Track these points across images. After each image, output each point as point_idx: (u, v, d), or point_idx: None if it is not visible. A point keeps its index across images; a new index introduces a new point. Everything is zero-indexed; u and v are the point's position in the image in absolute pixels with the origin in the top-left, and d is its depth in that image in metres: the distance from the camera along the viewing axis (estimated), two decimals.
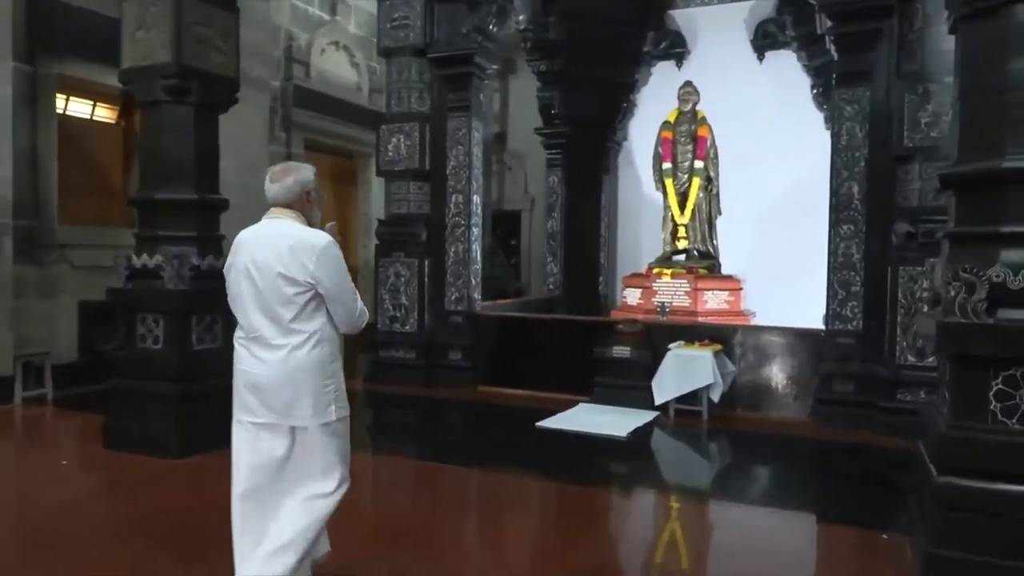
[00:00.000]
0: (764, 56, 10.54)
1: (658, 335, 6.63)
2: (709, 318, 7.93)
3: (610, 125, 11.01)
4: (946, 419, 2.88)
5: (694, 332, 6.57)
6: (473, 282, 7.34)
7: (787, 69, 10.05)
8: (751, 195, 9.81)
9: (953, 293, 2.80)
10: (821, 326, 6.27)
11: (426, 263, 7.32)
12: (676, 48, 10.96)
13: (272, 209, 2.49)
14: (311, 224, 2.52)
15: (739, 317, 8.14)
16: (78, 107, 7.33)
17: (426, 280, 7.32)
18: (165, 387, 4.58)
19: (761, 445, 5.54)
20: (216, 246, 4.97)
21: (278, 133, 9.89)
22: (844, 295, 5.86)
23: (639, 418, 5.98)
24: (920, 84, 5.46)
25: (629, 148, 11.30)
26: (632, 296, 8.63)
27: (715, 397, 6.03)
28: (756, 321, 8.57)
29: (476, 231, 7.36)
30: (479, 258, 7.43)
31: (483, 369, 7.30)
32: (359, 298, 2.53)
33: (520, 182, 12.68)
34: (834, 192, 5.92)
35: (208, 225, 4.92)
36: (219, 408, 4.52)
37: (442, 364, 7.31)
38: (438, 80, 7.36)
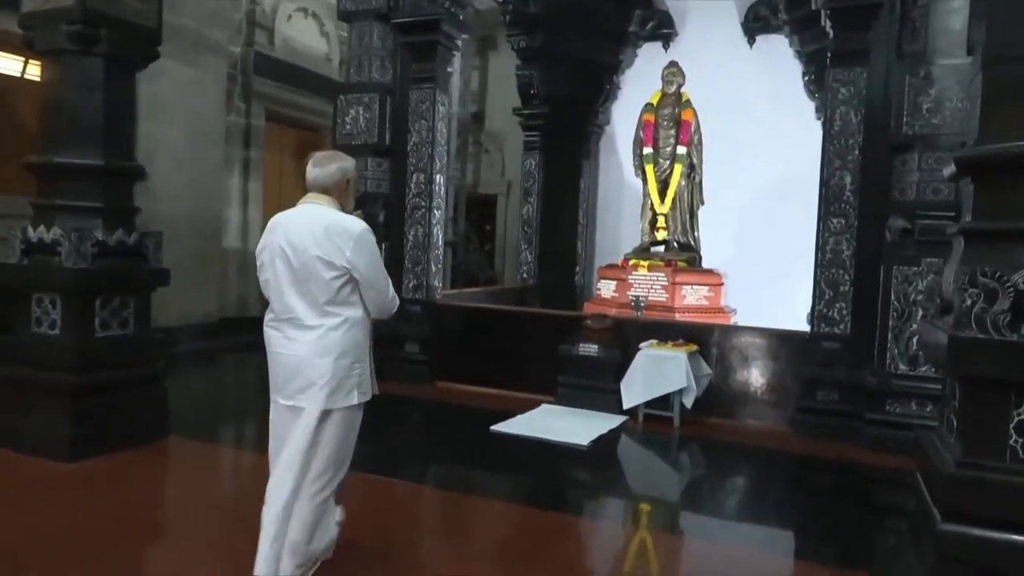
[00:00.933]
0: (755, 40, 10.04)
1: (630, 332, 6.12)
2: (687, 314, 7.44)
3: (592, 108, 10.48)
4: (954, 454, 2.37)
5: (669, 330, 6.06)
6: (433, 268, 6.78)
7: (778, 55, 9.54)
8: (737, 186, 9.38)
9: (969, 302, 2.29)
10: (806, 327, 5.79)
11: (382, 247, 6.71)
12: (663, 29, 10.43)
13: (309, 194, 2.54)
14: (344, 209, 2.57)
15: (719, 314, 7.65)
16: None
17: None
18: (60, 378, 4.00)
19: (735, 459, 5.05)
20: (128, 219, 4.37)
21: (238, 103, 9.25)
22: (831, 295, 5.36)
23: (605, 423, 5.48)
24: (922, 66, 4.94)
25: (611, 133, 10.76)
26: (607, 289, 8.12)
27: (688, 402, 5.53)
28: (737, 319, 8.10)
29: (438, 214, 6.80)
30: (440, 243, 6.88)
31: (442, 363, 6.77)
32: (391, 284, 2.59)
33: (497, 165, 12.10)
34: (824, 182, 5.41)
35: (118, 195, 4.31)
36: (123, 404, 4.06)
37: (398, 357, 6.77)
38: (402, 48, 6.76)
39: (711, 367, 5.80)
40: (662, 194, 8.03)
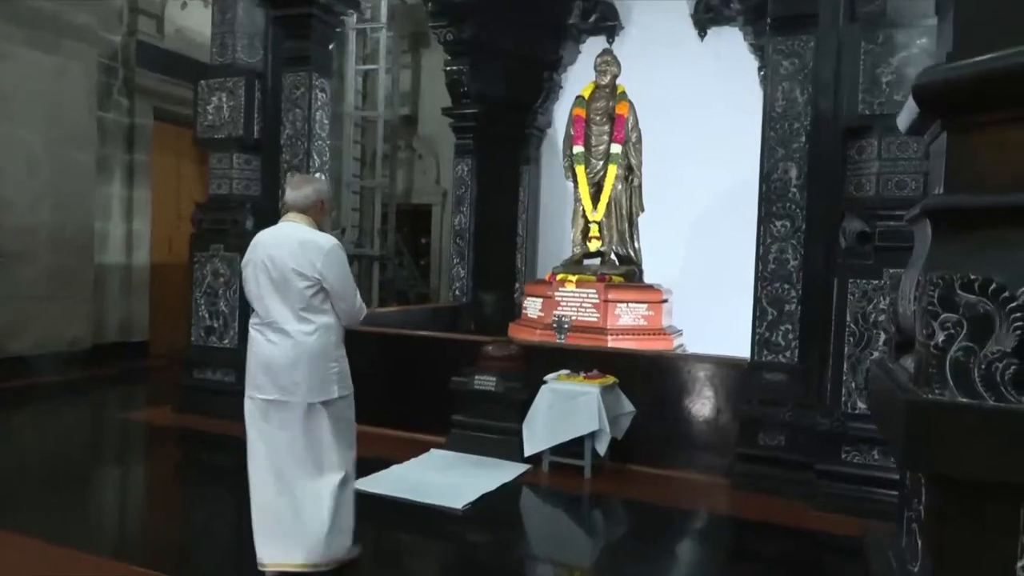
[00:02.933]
0: (706, 32, 9.09)
1: (544, 360, 5.05)
2: (620, 337, 6.40)
3: (530, 108, 9.48)
4: None
5: (590, 357, 5.00)
6: None
7: (731, 48, 8.62)
8: (687, 191, 8.41)
9: (942, 337, 1.25)
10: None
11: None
12: (607, 21, 9.46)
13: (288, 213, 2.87)
14: (320, 228, 2.88)
15: (659, 337, 6.62)
16: None
17: None
18: None
19: (655, 522, 3.97)
20: None
21: (118, 98, 8.12)
22: (775, 315, 4.33)
23: (500, 475, 4.40)
24: (881, 30, 3.97)
25: (553, 136, 9.74)
26: (532, 308, 7.06)
27: (601, 449, 4.46)
28: (683, 342, 7.09)
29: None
30: None
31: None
32: (359, 295, 2.90)
33: (431, 172, 11.05)
34: (765, 176, 4.41)
35: None
36: None
37: None
38: (274, 24, 5.70)
39: (634, 403, 4.73)
40: (595, 199, 7.02)
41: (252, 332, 2.83)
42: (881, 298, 3.93)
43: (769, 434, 4.30)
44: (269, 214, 5.63)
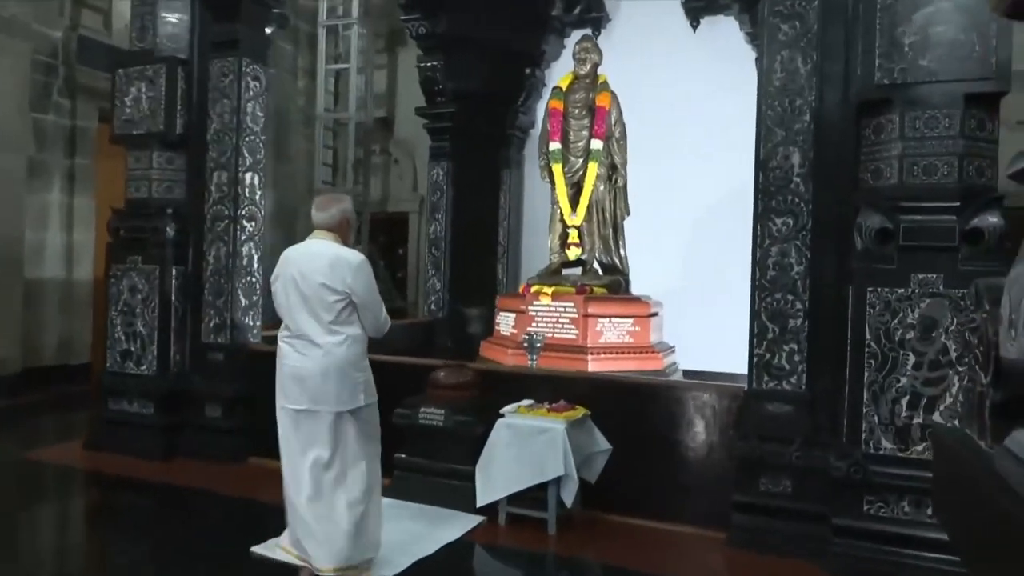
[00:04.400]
0: (699, 23, 8.36)
1: (508, 388, 4.29)
2: (602, 357, 5.63)
3: (510, 107, 8.75)
4: None
5: (561, 385, 4.24)
6: (243, 301, 4.93)
7: (726, 39, 7.92)
8: (681, 193, 7.67)
9: None
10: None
11: (172, 272, 4.89)
12: (593, 12, 8.73)
13: (316, 231, 2.99)
14: (346, 243, 3.02)
15: (646, 355, 5.83)
16: None
17: (172, 297, 4.89)
18: None
19: None
20: None
21: (58, 99, 7.43)
22: (776, 332, 3.55)
23: (445, 532, 3.62)
24: None
25: (536, 137, 9.00)
26: (505, 324, 6.29)
27: (567, 499, 3.67)
28: (674, 360, 6.32)
29: (250, 226, 4.97)
30: (256, 264, 5.03)
31: (258, 432, 4.88)
32: (384, 308, 3.03)
33: (408, 178, 10.32)
34: (761, 164, 3.64)
35: None
36: None
37: (194, 424, 4.89)
38: (201, 5, 4.98)
39: (611, 438, 3.95)
40: (575, 201, 6.25)
41: (282, 345, 2.97)
42: (909, 309, 3.16)
43: (772, 478, 3.51)
44: (195, 220, 4.92)
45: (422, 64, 8.51)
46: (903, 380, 3.17)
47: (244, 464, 4.83)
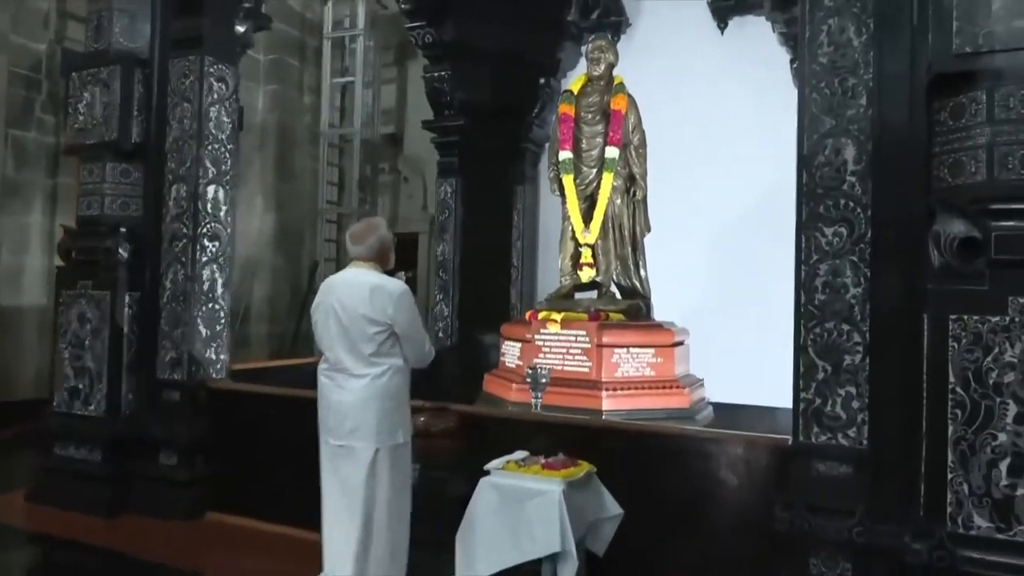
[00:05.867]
0: (727, 24, 7.67)
1: (502, 435, 3.60)
2: (619, 393, 4.90)
3: (523, 119, 8.11)
4: None
5: (564, 434, 3.53)
6: (203, 332, 4.31)
7: (757, 40, 7.22)
8: (707, 208, 6.98)
9: None
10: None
11: (126, 299, 4.31)
12: (611, 16, 8.08)
13: (354, 260, 2.90)
14: (386, 268, 2.94)
15: (670, 391, 5.07)
16: None
17: (124, 328, 4.31)
18: None
19: None
20: None
21: (40, 115, 7.02)
22: (829, 371, 2.80)
23: None
24: None
25: None
26: (510, 354, 5.59)
27: None
28: (703, 395, 5.55)
29: (212, 246, 4.36)
30: (220, 289, 4.41)
31: (220, 484, 4.27)
32: (428, 337, 2.99)
33: (418, 197, 9.74)
34: (805, 162, 2.91)
35: None
36: None
37: (146, 474, 4.26)
38: (161, 3, 4.45)
39: (624, 499, 3.20)
40: (588, 216, 5.56)
41: (321, 378, 2.87)
42: (1006, 344, 2.40)
43: (827, 559, 2.75)
44: (153, 240, 4.35)
45: (428, 74, 7.97)
46: (1002, 437, 2.40)
47: (200, 520, 4.19)
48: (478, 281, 7.95)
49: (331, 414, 2.82)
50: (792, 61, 6.92)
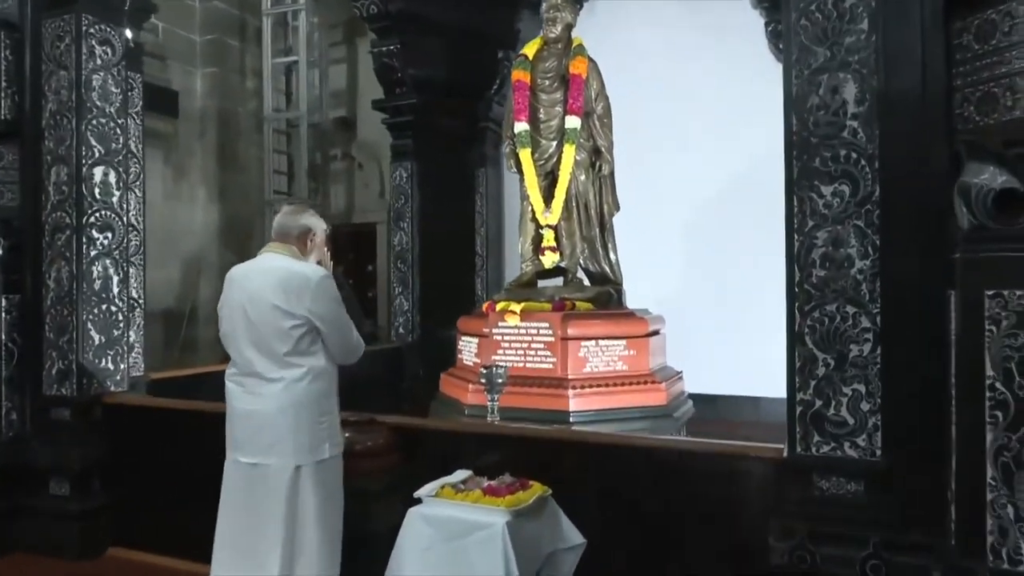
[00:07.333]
0: None
1: (441, 453, 3.03)
2: (587, 392, 4.37)
3: (482, 96, 7.55)
4: None
5: (509, 446, 2.95)
6: (96, 339, 3.67)
7: (732, 8, 6.76)
8: (681, 186, 6.50)
9: None
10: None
11: (1, 303, 3.67)
12: None
13: (269, 244, 2.51)
14: (307, 258, 2.50)
15: (645, 387, 4.55)
16: None
17: (3, 336, 3.66)
18: None
19: None
20: None
21: None
22: (832, 365, 2.25)
23: None
24: None
25: None
26: (468, 351, 5.03)
27: None
28: (683, 389, 5.03)
29: (103, 238, 3.72)
30: (115, 289, 3.77)
31: (121, 515, 3.65)
32: (355, 329, 2.53)
33: (375, 185, 9.08)
34: (795, 104, 2.34)
35: None
36: None
37: (35, 507, 3.63)
38: None
39: (589, 522, 2.64)
40: (548, 195, 5.00)
41: (229, 384, 2.48)
42: None
43: None
44: (33, 234, 3.70)
45: (376, 49, 7.34)
46: None
47: (100, 558, 3.58)
48: (440, 272, 7.39)
49: (240, 426, 2.42)
50: (767, 25, 6.43)
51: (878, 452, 2.19)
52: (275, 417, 2.36)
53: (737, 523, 2.47)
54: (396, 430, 3.01)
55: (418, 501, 2.58)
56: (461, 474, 2.73)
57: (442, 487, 2.60)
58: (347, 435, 2.95)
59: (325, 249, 2.63)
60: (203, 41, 8.29)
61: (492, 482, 2.57)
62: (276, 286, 2.37)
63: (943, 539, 2.07)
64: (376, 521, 2.70)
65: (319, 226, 2.58)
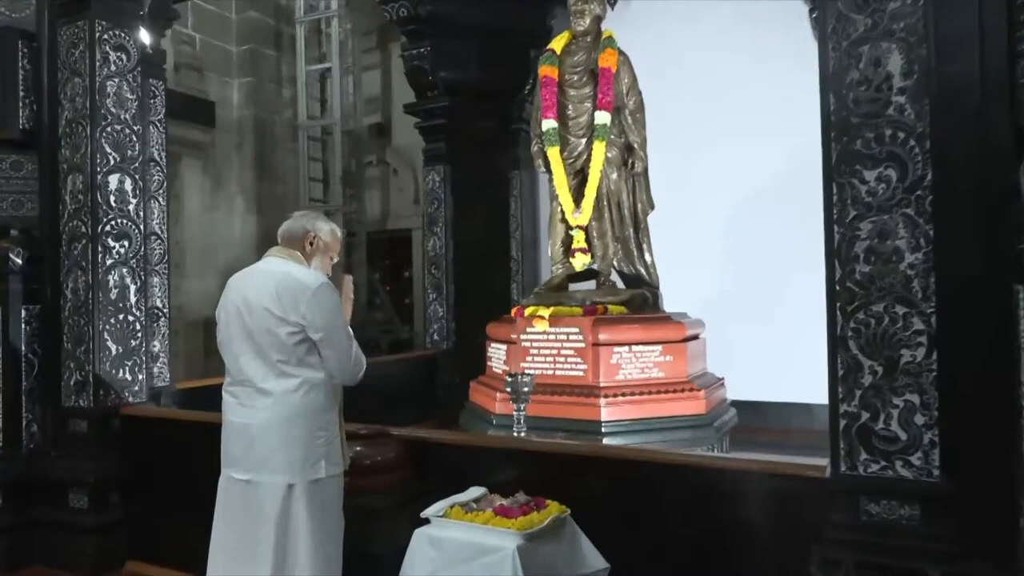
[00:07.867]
0: None
1: (456, 468, 2.85)
2: (620, 400, 4.14)
3: (515, 98, 7.38)
4: None
5: (529, 462, 2.76)
6: (113, 349, 3.61)
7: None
8: (721, 182, 6.22)
9: None
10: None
11: (21, 315, 3.64)
12: None
13: (272, 248, 2.42)
14: (311, 265, 2.40)
15: (683, 395, 4.29)
16: None
17: (23, 348, 3.63)
18: None
19: None
20: None
21: None
22: (880, 372, 1.99)
23: None
24: None
25: None
26: (496, 358, 4.85)
27: None
28: (723, 396, 4.75)
29: (120, 247, 3.66)
30: (132, 298, 3.71)
31: (139, 529, 3.58)
32: (355, 344, 2.36)
33: (409, 191, 9.01)
34: (831, 80, 2.09)
35: None
36: None
37: (53, 520, 3.58)
38: None
39: (615, 545, 2.42)
40: (579, 194, 4.79)
41: (224, 396, 2.36)
42: None
43: None
44: (52, 243, 3.67)
45: (407, 52, 7.25)
46: None
47: (118, 573, 3.51)
48: (474, 277, 7.25)
49: (234, 440, 2.30)
50: (811, 11, 6.10)
51: (936, 472, 1.92)
52: (266, 430, 2.24)
53: (775, 550, 2.22)
54: (407, 443, 2.84)
55: (426, 521, 2.41)
56: (475, 492, 2.55)
57: (451, 507, 2.41)
58: (357, 449, 2.81)
59: (333, 255, 2.49)
60: (239, 51, 8.34)
61: (504, 502, 2.37)
62: (271, 290, 2.26)
63: (1013, 572, 1.79)
64: (383, 542, 2.53)
65: (323, 229, 2.46)
